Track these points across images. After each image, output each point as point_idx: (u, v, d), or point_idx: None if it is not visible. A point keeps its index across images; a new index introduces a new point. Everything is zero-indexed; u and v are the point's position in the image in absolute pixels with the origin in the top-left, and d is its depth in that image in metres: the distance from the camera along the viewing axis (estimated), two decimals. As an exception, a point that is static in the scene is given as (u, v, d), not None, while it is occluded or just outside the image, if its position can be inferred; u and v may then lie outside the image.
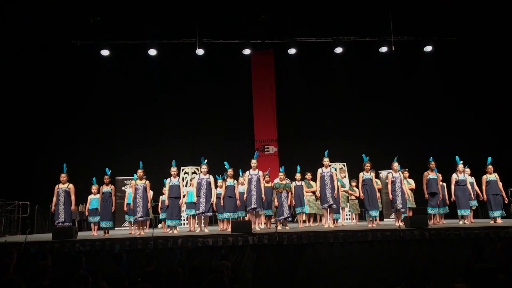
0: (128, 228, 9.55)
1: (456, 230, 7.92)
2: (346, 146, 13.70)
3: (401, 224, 8.51)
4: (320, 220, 10.50)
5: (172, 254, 7.35)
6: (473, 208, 10.07)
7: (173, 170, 9.67)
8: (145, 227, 9.97)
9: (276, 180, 9.95)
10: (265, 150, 14.27)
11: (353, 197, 10.89)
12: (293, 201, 10.02)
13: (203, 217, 9.54)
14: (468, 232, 7.85)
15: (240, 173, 10.08)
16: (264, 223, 9.89)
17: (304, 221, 10.56)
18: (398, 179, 9.60)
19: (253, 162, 9.64)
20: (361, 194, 9.75)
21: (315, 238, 7.77)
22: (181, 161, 12.58)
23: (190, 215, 9.90)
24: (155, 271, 4.95)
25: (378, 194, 10.04)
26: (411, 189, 10.58)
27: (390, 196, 9.60)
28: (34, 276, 4.08)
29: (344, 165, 12.81)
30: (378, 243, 7.78)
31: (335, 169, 11.55)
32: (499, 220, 9.48)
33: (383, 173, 12.37)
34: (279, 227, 9.32)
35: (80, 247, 7.57)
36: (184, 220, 11.71)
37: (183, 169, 12.56)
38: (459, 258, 7.23)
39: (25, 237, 7.60)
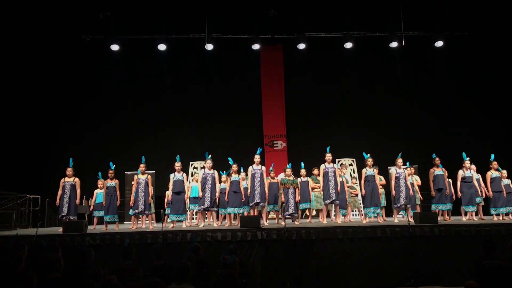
0: (134, 222, 9.62)
1: (466, 227, 7.88)
2: (355, 142, 13.63)
3: (411, 220, 8.46)
4: (328, 216, 10.50)
5: (181, 248, 7.39)
6: (481, 205, 10.00)
7: (177, 165, 9.70)
8: (152, 221, 10.02)
9: (282, 176, 9.95)
10: (274, 145, 14.25)
11: (353, 194, 10.86)
12: (299, 197, 10.00)
13: (212, 212, 9.57)
14: (479, 229, 7.81)
15: (242, 169, 10.06)
16: (268, 219, 9.88)
17: (315, 217, 10.56)
18: (402, 175, 9.57)
19: (256, 158, 9.65)
20: (363, 190, 9.69)
21: (324, 233, 7.77)
22: (190, 156, 12.62)
23: (194, 210, 9.94)
24: (165, 265, 4.97)
25: (381, 190, 10.01)
26: (417, 185, 10.54)
27: (393, 192, 9.58)
28: (45, 269, 4.12)
29: (353, 161, 12.75)
30: (387, 239, 7.76)
31: (341, 165, 11.53)
32: (510, 217, 9.43)
33: (392, 169, 12.29)
34: (283, 223, 9.32)
35: (90, 240, 7.64)
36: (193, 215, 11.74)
37: (192, 164, 12.59)
38: (469, 255, 7.19)
39: (36, 231, 7.68)
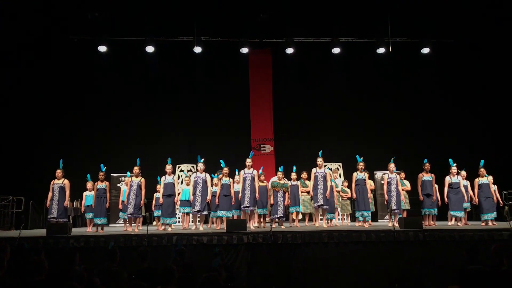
0: (123, 224, 9.56)
1: (450, 232, 7.97)
2: (342, 147, 13.70)
3: (396, 225, 8.53)
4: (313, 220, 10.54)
5: (166, 251, 7.35)
6: (467, 210, 10.12)
7: (168, 167, 9.66)
8: (139, 224, 9.95)
9: (274, 179, 9.97)
10: (262, 149, 14.26)
11: (345, 198, 10.92)
12: (289, 201, 10.03)
13: (198, 215, 9.55)
14: (462, 234, 7.89)
15: (237, 172, 10.08)
16: (258, 222, 9.89)
17: (300, 221, 10.58)
18: (394, 180, 9.65)
19: (248, 161, 9.68)
20: (354, 194, 9.77)
21: (310, 237, 7.79)
22: (177, 159, 12.58)
23: (184, 213, 9.90)
24: (149, 269, 4.94)
25: (370, 195, 10.08)
26: (406, 191, 10.63)
27: (386, 196, 9.65)
28: (29, 272, 4.07)
29: (340, 165, 12.82)
30: (373, 244, 7.81)
31: (330, 170, 11.56)
32: (491, 223, 9.54)
33: (378, 174, 12.40)
34: (274, 226, 9.34)
35: (74, 243, 7.56)
36: (179, 218, 11.70)
37: (179, 167, 12.54)
38: (453, 260, 7.25)
39: (19, 233, 7.57)
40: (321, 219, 9.95)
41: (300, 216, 10.60)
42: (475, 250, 4.95)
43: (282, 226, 9.56)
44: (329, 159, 12.78)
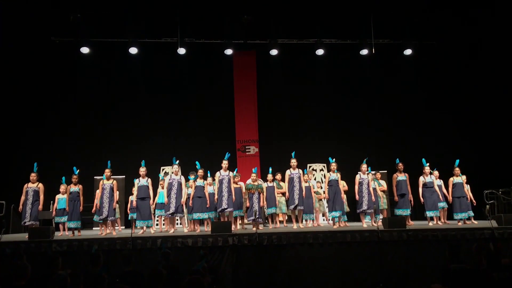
0: (103, 228, 9.46)
1: (433, 232, 8.07)
2: (327, 147, 13.75)
3: (379, 224, 8.61)
4: (296, 221, 10.56)
5: (151, 254, 7.30)
6: (445, 209, 10.26)
7: (142, 170, 9.61)
8: (116, 226, 9.86)
9: (249, 181, 9.96)
10: (246, 150, 14.25)
11: (319, 199, 10.98)
12: (265, 202, 10.01)
13: (174, 217, 9.51)
14: (445, 234, 8.01)
15: (209, 174, 10.01)
16: (240, 224, 9.88)
17: (281, 222, 10.61)
18: (366, 181, 9.77)
19: (224, 163, 9.59)
20: (326, 195, 9.83)
21: (295, 238, 7.82)
22: (162, 161, 12.52)
23: (161, 216, 9.83)
24: (134, 272, 4.90)
25: (343, 195, 10.15)
26: (382, 191, 10.74)
27: (357, 197, 9.74)
28: (10, 277, 4.00)
29: (324, 166, 12.89)
30: (357, 244, 7.87)
31: (312, 169, 11.63)
32: (474, 221, 9.69)
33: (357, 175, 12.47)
34: (260, 228, 9.36)
35: (57, 247, 7.46)
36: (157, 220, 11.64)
37: (163, 169, 12.47)
38: (436, 259, 7.36)
39: None
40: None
41: (280, 218, 10.60)
42: (457, 249, 5.03)
43: (260, 227, 9.54)
44: (314, 160, 12.86)
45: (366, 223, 9.78)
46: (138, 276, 4.72)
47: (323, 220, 11.64)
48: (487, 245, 5.22)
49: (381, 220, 8.94)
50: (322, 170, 12.81)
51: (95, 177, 12.02)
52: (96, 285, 3.89)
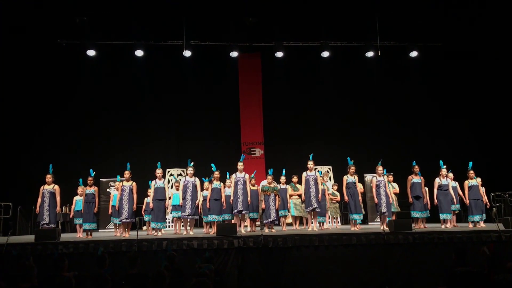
0: (113, 230, 9.46)
1: (439, 234, 8.01)
2: (332, 150, 13.77)
3: (386, 227, 8.57)
4: (306, 223, 10.53)
5: (156, 256, 7.31)
6: (456, 212, 10.20)
7: (158, 172, 9.61)
8: (126, 229, 9.88)
9: (264, 183, 9.95)
10: (252, 153, 14.27)
11: (334, 201, 10.94)
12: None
13: (188, 219, 9.51)
14: (451, 236, 7.94)
15: (228, 176, 10.05)
16: (250, 226, 9.88)
17: (290, 224, 10.59)
18: (383, 183, 9.67)
19: (240, 165, 9.62)
20: (346, 197, 9.79)
21: (300, 241, 7.79)
22: (167, 163, 12.54)
23: (176, 218, 9.84)
24: (139, 274, 4.91)
25: (360, 198, 10.10)
26: (395, 193, 10.68)
27: (375, 199, 9.67)
28: (16, 278, 4.02)
29: (329, 168, 12.86)
30: (363, 247, 7.82)
31: (321, 173, 11.56)
32: (482, 224, 9.62)
33: (368, 177, 12.45)
34: (266, 230, 9.35)
35: (63, 249, 7.48)
36: (169, 222, 11.66)
37: (168, 171, 12.50)
38: (442, 261, 7.30)
39: (6, 239, 7.49)
40: (312, 222, 9.96)
41: (289, 220, 10.59)
42: (463, 252, 5.00)
43: (273, 230, 9.56)
44: (319, 162, 12.82)
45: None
46: (143, 278, 4.72)
47: (334, 223, 11.52)
48: (482, 249, 5.18)
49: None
50: (328, 172, 12.78)
51: (101, 179, 12.07)
52: (99, 286, 3.89)
